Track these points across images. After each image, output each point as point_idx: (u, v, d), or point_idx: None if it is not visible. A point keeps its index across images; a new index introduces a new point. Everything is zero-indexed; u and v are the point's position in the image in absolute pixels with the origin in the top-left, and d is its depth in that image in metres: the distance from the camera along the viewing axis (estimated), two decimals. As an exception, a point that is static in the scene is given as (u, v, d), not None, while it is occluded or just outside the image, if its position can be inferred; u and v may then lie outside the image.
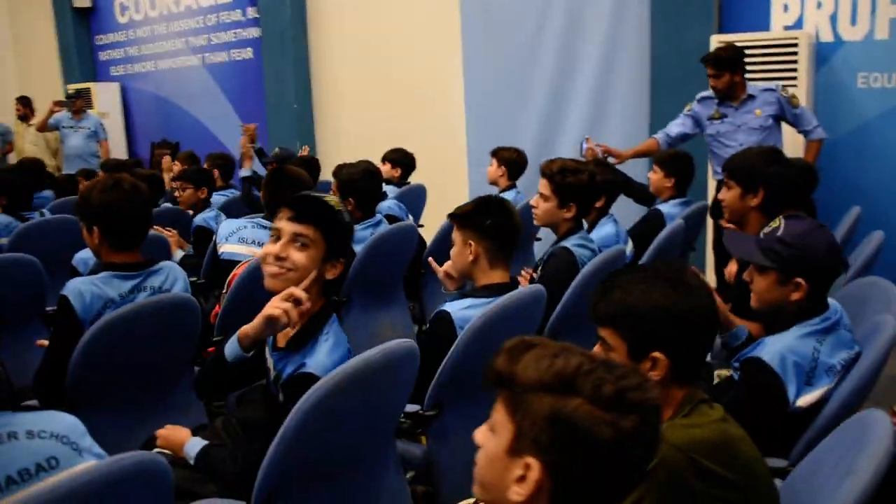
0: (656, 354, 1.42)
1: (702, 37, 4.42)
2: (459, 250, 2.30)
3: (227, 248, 3.13)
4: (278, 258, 1.78)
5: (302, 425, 1.54)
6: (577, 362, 0.93)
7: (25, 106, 8.42)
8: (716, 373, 2.27)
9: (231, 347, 1.80)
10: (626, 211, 4.05)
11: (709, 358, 2.06)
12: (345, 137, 7.01)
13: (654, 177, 3.72)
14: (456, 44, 5.87)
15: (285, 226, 1.80)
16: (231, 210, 4.42)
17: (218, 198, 4.67)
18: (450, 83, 6.02)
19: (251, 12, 7.57)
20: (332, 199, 1.86)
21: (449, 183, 5.68)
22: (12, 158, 8.43)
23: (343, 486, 1.81)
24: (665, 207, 3.61)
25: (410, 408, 2.13)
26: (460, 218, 2.31)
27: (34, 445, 1.34)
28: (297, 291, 1.72)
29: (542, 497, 0.93)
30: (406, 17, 6.46)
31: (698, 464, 1.32)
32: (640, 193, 4.00)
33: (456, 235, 2.32)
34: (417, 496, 2.18)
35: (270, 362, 1.87)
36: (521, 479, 0.93)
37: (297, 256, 1.78)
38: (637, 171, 4.29)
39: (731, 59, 3.85)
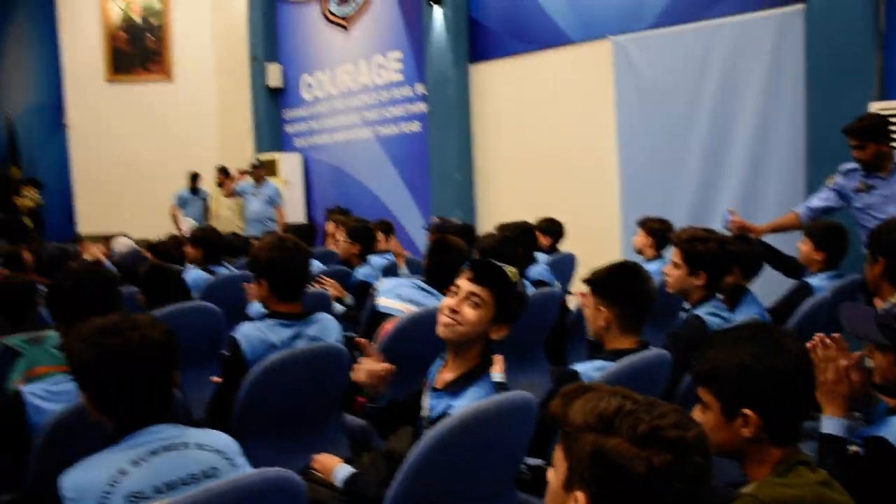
0: (746, 411, 1.47)
1: (860, 103, 4.30)
2: (593, 315, 2.37)
3: (383, 302, 3.40)
4: (453, 311, 2.01)
5: (423, 459, 1.71)
6: (619, 404, 1.02)
7: (223, 174, 9.46)
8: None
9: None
10: (778, 283, 3.96)
11: (841, 433, 2.00)
12: (503, 207, 7.29)
13: (803, 248, 3.63)
14: (610, 116, 6.03)
15: (464, 284, 2.04)
16: (390, 273, 4.75)
17: (379, 260, 5.03)
18: (604, 155, 6.16)
19: (420, 88, 8.14)
20: (510, 270, 2.06)
21: (601, 252, 5.77)
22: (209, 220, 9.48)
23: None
24: (815, 280, 3.50)
25: (536, 462, 2.25)
26: (594, 283, 2.40)
27: (201, 456, 1.63)
28: (370, 366, 2.10)
29: None
30: (562, 92, 6.71)
31: (786, 522, 1.35)
32: (789, 266, 3.89)
33: (589, 300, 2.39)
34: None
35: (426, 402, 2.10)
36: None
37: (469, 313, 2.00)
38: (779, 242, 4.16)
39: (874, 129, 3.70)
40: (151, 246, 5.19)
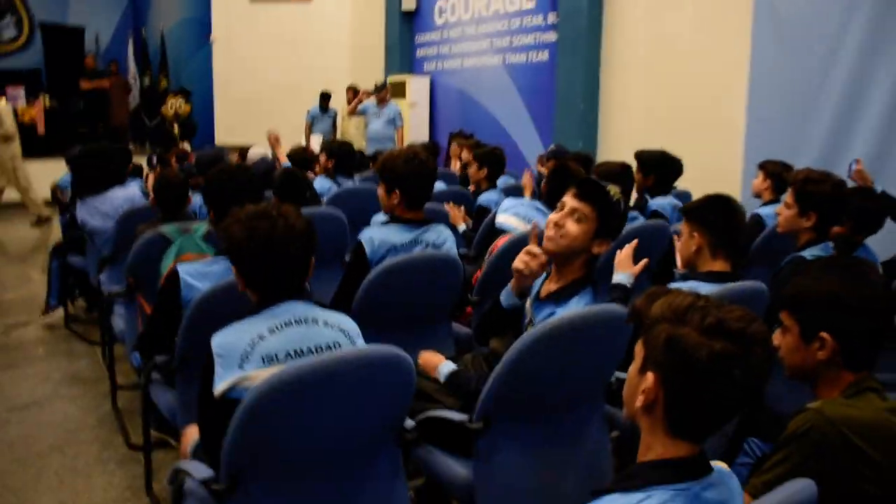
0: (824, 335, 1.57)
1: None
2: (685, 240, 2.50)
3: (502, 219, 3.59)
4: (556, 225, 2.17)
5: (519, 358, 1.87)
6: (691, 300, 1.16)
7: (353, 93, 9.79)
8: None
9: (506, 295, 2.29)
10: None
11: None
12: (624, 140, 7.24)
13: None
14: (745, 57, 5.82)
15: (569, 200, 2.19)
16: (511, 193, 4.89)
17: (502, 181, 5.18)
18: (734, 95, 5.98)
19: (552, 18, 8.07)
20: (613, 188, 2.20)
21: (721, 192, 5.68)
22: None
23: (551, 424, 2.10)
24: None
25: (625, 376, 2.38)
26: (688, 211, 2.53)
27: (327, 332, 1.88)
28: (533, 248, 2.14)
29: (658, 406, 1.18)
30: (696, 30, 6.52)
31: (847, 439, 1.45)
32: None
33: (684, 227, 2.53)
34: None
35: (529, 309, 2.28)
36: (644, 390, 1.19)
37: (572, 227, 2.16)
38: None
39: None
40: (289, 154, 5.54)
